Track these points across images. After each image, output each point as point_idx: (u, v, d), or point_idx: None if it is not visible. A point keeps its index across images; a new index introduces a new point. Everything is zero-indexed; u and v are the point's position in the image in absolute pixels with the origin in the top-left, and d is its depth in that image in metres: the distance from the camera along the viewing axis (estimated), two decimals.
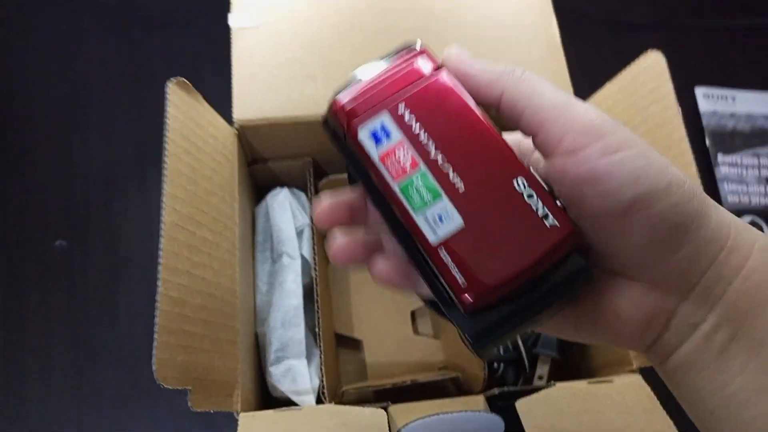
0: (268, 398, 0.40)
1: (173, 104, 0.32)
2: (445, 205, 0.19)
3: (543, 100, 0.19)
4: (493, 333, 0.18)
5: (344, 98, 0.20)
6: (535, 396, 0.32)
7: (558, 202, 0.19)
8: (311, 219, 0.42)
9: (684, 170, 0.31)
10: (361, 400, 0.43)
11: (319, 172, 0.46)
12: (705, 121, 0.56)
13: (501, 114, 0.20)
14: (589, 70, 0.60)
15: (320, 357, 0.38)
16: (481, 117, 0.19)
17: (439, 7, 0.42)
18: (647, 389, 0.32)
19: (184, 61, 0.59)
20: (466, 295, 0.18)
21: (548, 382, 0.39)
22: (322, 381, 0.37)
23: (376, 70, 0.20)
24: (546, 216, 0.18)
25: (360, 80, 0.20)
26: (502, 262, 0.18)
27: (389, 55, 0.21)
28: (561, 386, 0.33)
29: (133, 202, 0.53)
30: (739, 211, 0.52)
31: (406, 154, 0.19)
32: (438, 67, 0.20)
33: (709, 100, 0.57)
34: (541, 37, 0.42)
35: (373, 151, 0.19)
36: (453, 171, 0.19)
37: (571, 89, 0.40)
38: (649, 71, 0.34)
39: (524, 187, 0.19)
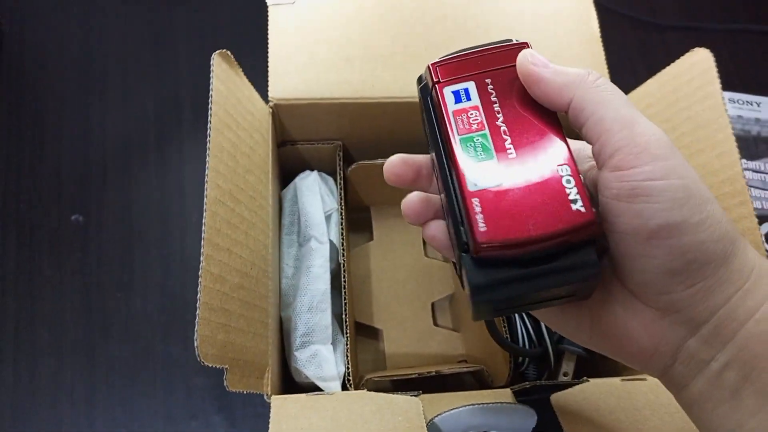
0: (290, 383, 0.39)
1: (218, 77, 0.31)
2: (493, 164, 0.21)
3: (608, 111, 0.20)
4: (493, 290, 0.20)
5: (443, 61, 0.23)
6: (570, 391, 0.31)
7: (590, 200, 0.20)
8: (340, 203, 0.41)
9: (729, 170, 0.31)
10: (379, 390, 0.43)
11: (348, 158, 0.45)
12: None
13: (569, 119, 0.21)
14: (615, 70, 0.60)
15: (346, 344, 0.38)
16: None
17: None
18: None
19: (204, 31, 0.58)
20: (481, 237, 0.19)
21: (574, 379, 0.39)
22: (348, 368, 0.37)
23: (479, 49, 0.23)
24: (575, 201, 0.19)
25: (461, 52, 0.23)
26: (522, 224, 0.20)
27: (495, 42, 0.23)
28: (594, 382, 0.33)
29: (150, 174, 0.53)
30: (761, 218, 0.52)
31: (476, 117, 0.21)
32: None
33: (734, 105, 0.57)
34: (582, 30, 0.41)
35: (450, 105, 0.22)
36: (510, 141, 0.21)
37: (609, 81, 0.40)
38: (695, 69, 0.34)
39: (565, 173, 0.20)
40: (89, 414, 0.45)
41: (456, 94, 0.22)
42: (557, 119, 0.21)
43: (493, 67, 0.22)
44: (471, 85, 0.22)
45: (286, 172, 0.45)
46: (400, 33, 0.40)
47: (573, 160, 0.20)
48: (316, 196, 0.42)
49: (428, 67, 0.23)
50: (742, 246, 0.20)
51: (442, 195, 0.22)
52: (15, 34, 0.56)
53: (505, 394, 0.35)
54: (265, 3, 0.41)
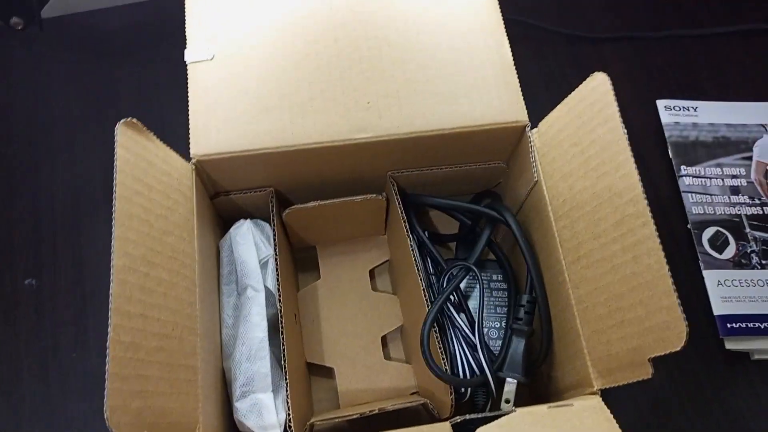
0: None
1: (122, 146, 0.32)
2: None
3: None
4: None
5: None
6: (495, 423, 0.32)
7: None
8: (275, 250, 0.42)
9: (631, 191, 0.32)
10: (335, 429, 0.43)
11: (285, 201, 0.46)
12: (667, 133, 0.57)
13: None
14: (552, 87, 0.61)
15: (286, 390, 0.38)
16: None
17: (393, 35, 0.42)
18: (607, 413, 0.32)
19: (148, 93, 0.59)
20: None
21: (516, 406, 0.39)
22: (289, 414, 0.37)
23: None
24: None
25: None
26: None
27: None
28: (522, 411, 0.33)
29: (100, 234, 0.54)
30: (703, 223, 0.53)
31: None
32: None
33: (670, 112, 0.58)
34: (495, 61, 0.42)
35: None
36: None
37: (525, 114, 0.40)
38: (596, 92, 0.35)
39: None
40: None
41: None
42: None
43: None
44: None
45: (227, 222, 0.46)
46: (316, 79, 0.41)
47: None
48: (250, 245, 0.42)
49: None
50: None
51: None
52: None
53: (444, 429, 0.35)
54: None
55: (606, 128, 0.34)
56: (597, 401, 0.33)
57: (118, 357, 0.28)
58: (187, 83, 0.41)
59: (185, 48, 0.42)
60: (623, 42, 0.63)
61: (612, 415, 0.32)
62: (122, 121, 0.33)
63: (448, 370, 0.40)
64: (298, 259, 0.51)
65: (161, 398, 0.30)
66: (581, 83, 0.37)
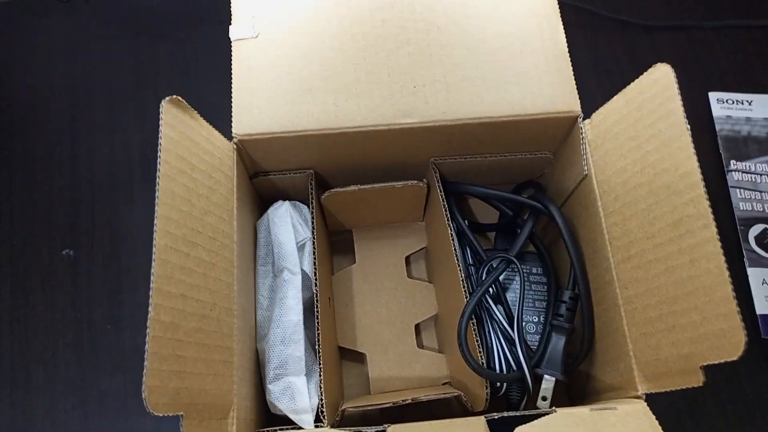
0: (270, 415, 0.39)
1: (167, 123, 0.31)
2: None
3: None
4: None
5: None
6: (535, 423, 0.31)
7: None
8: (312, 233, 0.41)
9: (692, 191, 0.30)
10: (365, 416, 0.43)
11: (323, 184, 0.45)
12: (718, 127, 0.54)
13: None
14: (603, 75, 0.59)
15: (320, 374, 0.38)
16: None
17: (441, 18, 0.41)
18: (652, 419, 0.31)
19: (188, 69, 0.59)
20: None
21: (553, 404, 0.38)
22: (321, 399, 0.37)
23: None
24: None
25: None
26: None
27: None
28: (562, 412, 0.32)
29: (137, 210, 0.54)
30: (751, 219, 0.51)
31: None
32: None
33: (723, 105, 0.56)
34: (548, 47, 0.40)
35: None
36: None
37: (578, 104, 0.39)
38: (657, 85, 0.33)
39: None
40: None
41: None
42: None
43: None
44: None
45: (265, 201, 0.46)
46: (362, 61, 0.40)
47: None
48: (288, 227, 0.42)
49: None
50: None
51: None
52: (5, 79, 0.58)
53: (479, 424, 0.35)
54: None
55: (667, 123, 0.32)
56: (642, 406, 0.32)
57: (157, 337, 0.27)
58: (227, 62, 0.40)
59: (229, 25, 0.41)
60: (677, 31, 0.60)
61: (658, 422, 0.30)
62: (167, 98, 0.32)
63: (484, 364, 0.39)
64: (333, 243, 0.51)
65: (198, 379, 0.30)
66: (633, 72, 0.35)
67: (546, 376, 0.39)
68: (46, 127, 0.56)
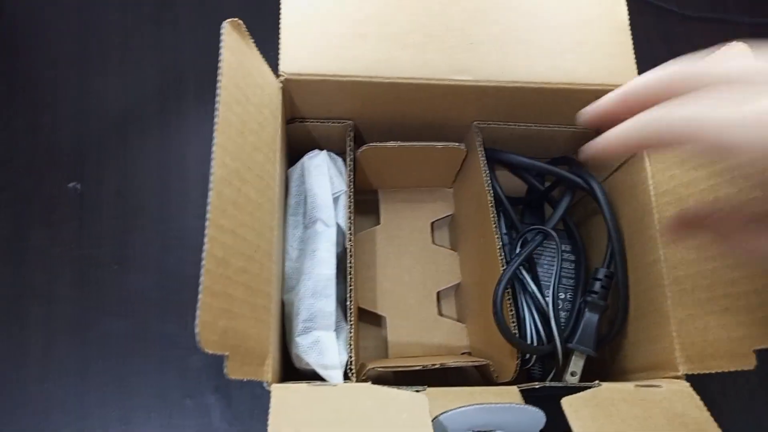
0: (290, 369, 0.38)
1: (228, 48, 0.29)
2: None
3: None
4: None
5: None
6: (582, 395, 0.30)
7: None
8: (349, 186, 0.40)
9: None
10: (379, 378, 0.42)
11: (359, 139, 0.44)
12: None
13: None
14: (639, 59, 0.58)
15: (350, 332, 0.36)
16: None
17: None
18: (697, 399, 0.31)
19: (207, 3, 0.55)
20: None
21: (582, 382, 0.38)
22: (351, 356, 0.36)
23: None
24: None
25: None
26: None
27: None
28: (607, 387, 0.31)
29: (149, 147, 0.51)
30: None
31: None
32: None
33: None
34: (609, 18, 0.39)
35: None
36: None
37: (636, 74, 0.38)
38: None
39: None
40: (79, 390, 0.44)
41: None
42: None
43: None
44: None
45: (294, 150, 0.44)
46: (418, 12, 0.38)
47: None
48: (325, 177, 0.40)
49: None
50: None
51: None
52: (11, 2, 0.54)
53: (513, 393, 0.34)
54: None
55: None
56: (686, 386, 0.32)
57: (211, 271, 0.26)
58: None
59: None
60: (714, 23, 0.60)
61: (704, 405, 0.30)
62: (228, 20, 0.30)
63: (517, 335, 0.38)
64: (357, 202, 0.49)
65: (243, 321, 0.28)
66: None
67: (578, 351, 0.38)
68: (56, 53, 0.53)
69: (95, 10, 0.54)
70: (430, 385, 0.34)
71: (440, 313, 0.46)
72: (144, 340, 0.45)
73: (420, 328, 0.45)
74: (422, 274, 0.46)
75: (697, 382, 0.32)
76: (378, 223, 0.48)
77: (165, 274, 0.47)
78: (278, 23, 0.37)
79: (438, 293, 0.46)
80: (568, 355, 0.39)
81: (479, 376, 0.42)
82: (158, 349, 0.45)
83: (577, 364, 0.38)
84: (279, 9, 0.38)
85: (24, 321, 0.45)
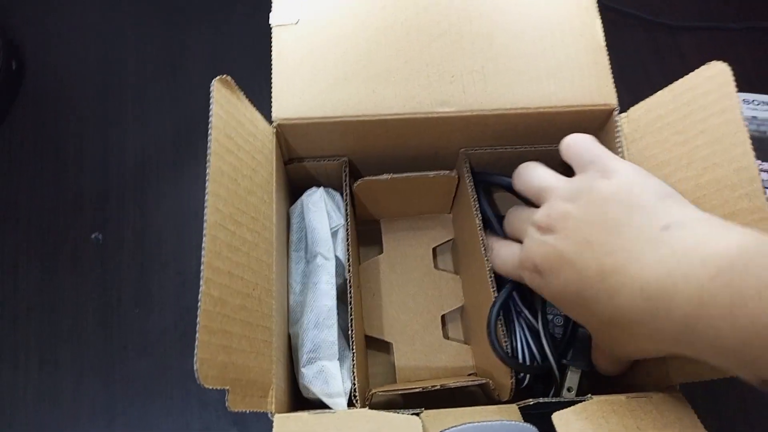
0: (300, 399, 0.40)
1: (218, 102, 0.32)
2: None
3: None
4: None
5: None
6: (572, 409, 0.31)
7: None
8: (346, 219, 0.42)
9: (747, 185, 0.31)
10: (389, 403, 0.43)
11: (355, 173, 0.46)
12: None
13: None
14: (627, 72, 0.59)
15: (352, 359, 0.38)
16: None
17: (481, 8, 0.41)
18: (688, 408, 0.31)
19: (220, 55, 0.59)
20: None
21: (578, 395, 0.39)
22: (354, 383, 0.37)
23: None
24: None
25: None
26: None
27: None
28: (598, 399, 0.32)
29: (166, 194, 0.54)
30: None
31: None
32: None
33: (749, 105, 0.56)
34: (585, 40, 0.41)
35: None
36: None
37: (614, 97, 0.39)
38: (712, 82, 0.34)
39: None
40: (109, 428, 0.46)
41: None
42: None
43: None
44: None
45: (296, 189, 0.46)
46: (401, 49, 0.41)
47: None
48: (323, 213, 0.42)
49: None
50: None
51: None
52: (37, 61, 0.59)
53: (512, 410, 0.35)
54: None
55: (722, 119, 0.32)
56: (678, 395, 0.32)
57: (208, 310, 0.28)
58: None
59: (270, 12, 0.41)
60: (703, 32, 0.61)
61: (694, 411, 0.31)
62: (217, 78, 0.32)
63: (510, 355, 0.39)
64: (360, 232, 0.51)
65: (242, 355, 0.30)
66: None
67: (572, 367, 0.39)
68: (79, 109, 0.57)
69: (114, 66, 0.58)
70: (438, 407, 0.36)
71: (446, 336, 0.47)
72: (165, 377, 0.48)
73: (426, 352, 0.46)
74: (425, 299, 0.48)
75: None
76: (381, 252, 0.49)
77: (183, 313, 0.50)
78: None
79: (444, 317, 0.47)
80: (564, 371, 0.39)
81: (484, 397, 0.43)
82: (179, 384, 0.48)
83: (572, 380, 0.39)
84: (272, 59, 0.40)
85: (55, 365, 0.48)
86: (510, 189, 0.47)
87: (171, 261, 0.51)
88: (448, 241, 0.50)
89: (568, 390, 0.39)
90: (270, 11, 0.41)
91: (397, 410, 0.33)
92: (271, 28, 0.41)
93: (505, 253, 0.39)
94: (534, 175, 0.38)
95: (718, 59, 0.59)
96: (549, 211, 0.34)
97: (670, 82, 0.36)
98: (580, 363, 0.39)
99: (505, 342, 0.38)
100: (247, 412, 0.46)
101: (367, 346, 0.48)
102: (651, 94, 0.38)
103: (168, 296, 0.50)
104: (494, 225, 0.45)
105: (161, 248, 0.52)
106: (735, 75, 0.58)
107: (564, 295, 0.33)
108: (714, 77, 0.33)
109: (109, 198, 0.54)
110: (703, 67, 0.34)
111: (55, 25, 0.60)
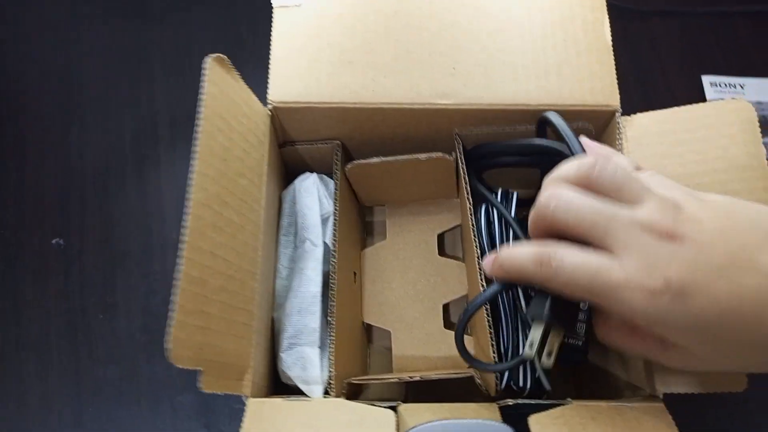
0: (278, 384, 0.39)
1: (210, 80, 0.31)
2: None
3: None
4: None
5: None
6: (550, 412, 0.31)
7: None
8: (335, 204, 0.41)
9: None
10: (392, 392, 0.43)
11: (349, 158, 0.45)
12: None
13: None
14: None
15: (330, 347, 0.37)
16: None
17: (488, 4, 0.41)
18: (668, 418, 0.31)
19: (180, 51, 0.58)
20: None
21: (555, 400, 0.37)
22: (331, 371, 0.37)
23: None
24: None
25: None
26: None
27: None
28: (578, 405, 0.32)
29: (129, 195, 0.53)
30: None
31: None
32: None
33: (716, 88, 0.57)
34: (591, 40, 0.40)
35: None
36: None
37: (617, 98, 0.39)
38: (735, 115, 0.34)
39: None
40: None
41: None
42: None
43: None
44: None
45: (290, 173, 0.45)
46: (404, 39, 0.40)
47: None
48: (314, 198, 0.42)
49: None
50: None
51: None
52: None
53: (492, 409, 0.35)
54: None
55: (743, 151, 0.34)
56: (660, 406, 0.32)
57: (186, 290, 0.27)
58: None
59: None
60: (671, 16, 0.61)
61: (674, 422, 0.30)
62: (211, 56, 0.32)
63: (496, 357, 0.38)
64: (371, 221, 0.50)
65: (219, 337, 0.30)
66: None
67: (533, 319, 0.32)
68: (39, 111, 0.55)
69: (76, 68, 0.57)
70: (439, 400, 0.35)
71: (448, 326, 0.46)
72: (134, 382, 0.47)
73: (425, 341, 0.45)
74: (428, 286, 0.47)
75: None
76: (386, 238, 0.49)
77: (151, 317, 0.49)
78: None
79: (446, 306, 0.46)
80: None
81: (476, 389, 0.43)
82: (149, 390, 0.47)
83: (535, 334, 0.32)
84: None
85: (20, 374, 0.47)
86: (499, 156, 0.43)
87: (135, 265, 0.50)
88: (455, 227, 0.49)
89: (530, 347, 0.32)
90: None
91: (375, 401, 0.33)
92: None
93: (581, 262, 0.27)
94: (573, 206, 0.28)
95: (685, 43, 0.59)
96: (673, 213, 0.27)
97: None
98: (539, 313, 0.32)
99: (491, 341, 0.38)
100: (220, 415, 0.46)
101: (369, 335, 0.47)
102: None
103: (134, 301, 0.49)
104: (495, 204, 0.41)
105: (125, 252, 0.51)
106: (702, 58, 0.59)
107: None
108: (738, 111, 0.33)
109: (71, 201, 0.52)
110: (727, 100, 0.34)
111: (13, 27, 0.58)
